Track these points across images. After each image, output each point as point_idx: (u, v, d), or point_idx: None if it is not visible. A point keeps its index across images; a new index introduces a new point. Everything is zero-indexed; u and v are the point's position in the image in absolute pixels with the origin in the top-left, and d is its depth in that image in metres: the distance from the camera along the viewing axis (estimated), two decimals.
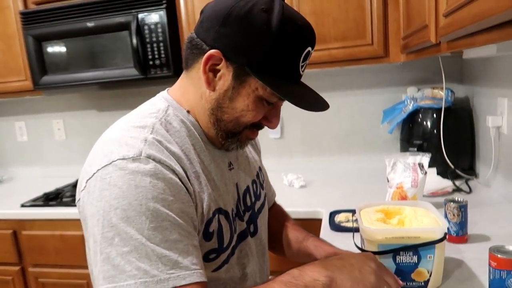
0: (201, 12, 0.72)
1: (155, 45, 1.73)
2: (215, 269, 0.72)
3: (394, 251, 0.84)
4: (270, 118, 0.74)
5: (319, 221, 1.40)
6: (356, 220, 0.97)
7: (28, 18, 1.84)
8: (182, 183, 0.64)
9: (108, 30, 1.78)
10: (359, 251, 0.93)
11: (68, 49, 1.85)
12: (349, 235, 1.19)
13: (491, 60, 1.47)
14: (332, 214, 1.38)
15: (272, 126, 0.75)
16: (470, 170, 1.69)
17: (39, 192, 1.96)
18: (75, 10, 1.78)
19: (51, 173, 2.43)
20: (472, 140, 1.70)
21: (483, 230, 1.16)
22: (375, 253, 0.85)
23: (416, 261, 0.84)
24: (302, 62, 0.69)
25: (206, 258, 0.70)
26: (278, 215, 1.01)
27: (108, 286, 0.58)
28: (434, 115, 1.66)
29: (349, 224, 1.28)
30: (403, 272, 0.84)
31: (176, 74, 1.76)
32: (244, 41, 0.66)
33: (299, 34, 0.68)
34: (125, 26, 1.75)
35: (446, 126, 1.62)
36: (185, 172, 0.66)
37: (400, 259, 0.84)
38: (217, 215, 0.71)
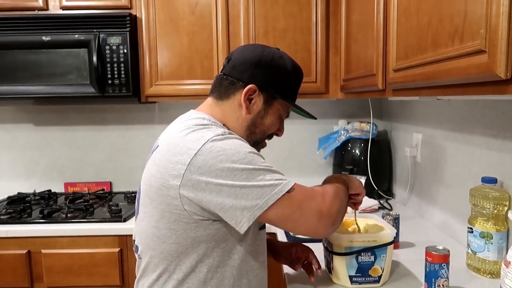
0: (229, 59, 0.99)
1: (115, 65, 1.79)
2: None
3: (358, 252, 1.05)
4: (281, 129, 1.07)
5: (273, 234, 1.58)
6: None
7: None
8: None
9: (64, 46, 1.79)
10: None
11: (16, 60, 1.79)
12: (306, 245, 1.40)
13: (408, 102, 1.84)
14: None
15: (281, 135, 1.08)
16: (388, 191, 2.03)
17: None
18: (32, 22, 1.76)
19: None
20: (390, 167, 2.05)
21: (407, 238, 1.45)
22: (342, 254, 1.05)
23: (373, 260, 1.06)
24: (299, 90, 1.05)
25: None
26: None
27: (259, 201, 0.81)
28: (362, 145, 1.98)
29: (302, 236, 1.48)
30: (363, 270, 1.06)
31: (135, 94, 1.83)
32: (272, 77, 0.96)
33: (300, 73, 1.03)
34: (84, 44, 1.78)
35: (371, 155, 1.94)
36: None
37: (361, 259, 1.06)
38: None
